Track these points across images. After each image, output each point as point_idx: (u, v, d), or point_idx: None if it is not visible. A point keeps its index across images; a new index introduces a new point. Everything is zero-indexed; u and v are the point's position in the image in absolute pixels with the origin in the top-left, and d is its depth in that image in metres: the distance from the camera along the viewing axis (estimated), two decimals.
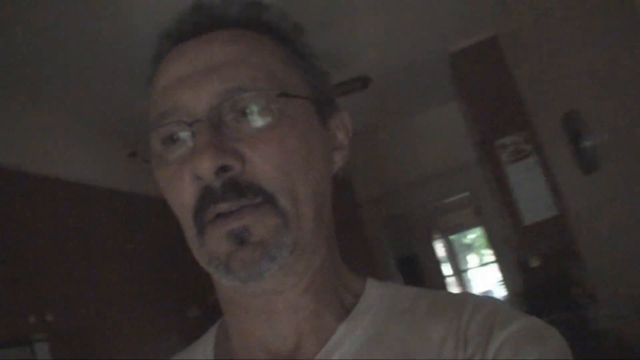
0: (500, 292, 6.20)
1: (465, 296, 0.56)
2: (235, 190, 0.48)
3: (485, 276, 7.85)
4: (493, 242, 5.45)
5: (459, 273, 7.99)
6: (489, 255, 7.26)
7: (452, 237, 8.08)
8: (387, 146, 4.35)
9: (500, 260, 5.16)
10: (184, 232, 0.54)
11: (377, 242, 4.53)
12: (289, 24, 0.58)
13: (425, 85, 3.64)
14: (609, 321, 2.57)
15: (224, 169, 0.47)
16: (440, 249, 7.49)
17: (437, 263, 7.00)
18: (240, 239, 0.48)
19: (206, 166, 0.46)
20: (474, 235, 8.41)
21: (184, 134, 0.50)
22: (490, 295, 2.72)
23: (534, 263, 3.83)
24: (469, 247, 8.67)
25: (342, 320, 0.54)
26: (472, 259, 8.57)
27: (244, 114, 0.49)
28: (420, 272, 6.38)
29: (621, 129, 1.76)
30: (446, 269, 7.46)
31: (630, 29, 1.52)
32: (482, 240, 7.57)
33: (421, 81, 3.55)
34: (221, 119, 0.49)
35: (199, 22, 0.55)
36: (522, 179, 2.87)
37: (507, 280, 4.85)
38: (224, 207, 0.48)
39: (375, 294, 0.57)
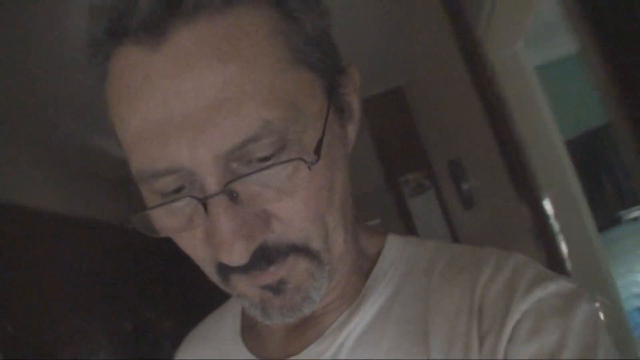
0: None
1: (488, 253, 0.51)
2: (266, 256, 0.43)
3: None
4: None
5: None
6: None
7: None
8: None
9: None
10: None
11: None
12: None
13: None
14: None
15: (253, 251, 0.41)
16: None
17: None
18: (277, 290, 0.45)
19: (236, 261, 0.41)
20: None
21: (188, 191, 0.42)
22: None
23: None
24: None
25: (359, 291, 0.53)
26: None
27: (259, 160, 0.40)
28: None
29: (488, 175, 2.19)
30: None
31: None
32: None
33: None
34: (233, 174, 0.40)
35: (159, 10, 0.38)
36: (421, 210, 3.31)
37: None
38: (256, 274, 0.44)
39: (392, 257, 0.55)
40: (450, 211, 3.16)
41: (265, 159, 0.40)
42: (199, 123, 0.38)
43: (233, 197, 0.40)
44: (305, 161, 0.41)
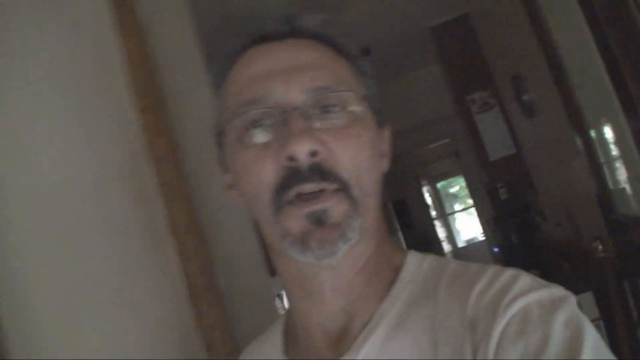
0: (479, 231, 6.99)
1: (486, 270, 0.56)
2: (319, 173, 0.53)
3: (469, 221, 8.57)
4: (473, 191, 6.12)
5: (445, 217, 8.74)
6: (471, 203, 7.89)
7: (438, 184, 8.84)
8: (382, 100, 5.06)
9: (479, 206, 5.96)
10: (256, 214, 0.58)
11: None
12: (357, 45, 0.64)
13: (413, 52, 4.36)
14: (555, 232, 3.37)
15: (312, 153, 0.52)
16: (427, 195, 8.21)
17: (425, 207, 7.71)
18: (320, 219, 0.53)
19: (303, 148, 0.51)
20: (457, 186, 9.10)
21: (271, 121, 0.55)
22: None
23: (503, 196, 4.63)
24: (455, 197, 9.37)
25: (382, 301, 0.59)
26: (457, 207, 9.27)
27: (326, 110, 0.55)
28: (410, 215, 7.08)
29: (548, 88, 2.54)
30: (433, 213, 8.20)
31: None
32: (465, 191, 8.20)
33: (409, 49, 4.28)
34: (314, 109, 0.55)
35: (281, 28, 0.61)
36: (488, 126, 3.68)
37: (483, 211, 5.65)
38: (308, 187, 0.53)
39: (410, 274, 0.61)
40: (514, 124, 3.52)
41: (332, 107, 0.56)
42: (293, 71, 0.56)
43: (304, 114, 0.54)
44: (359, 96, 0.58)
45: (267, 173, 0.54)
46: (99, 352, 0.92)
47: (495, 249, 4.42)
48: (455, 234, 8.64)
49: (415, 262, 0.62)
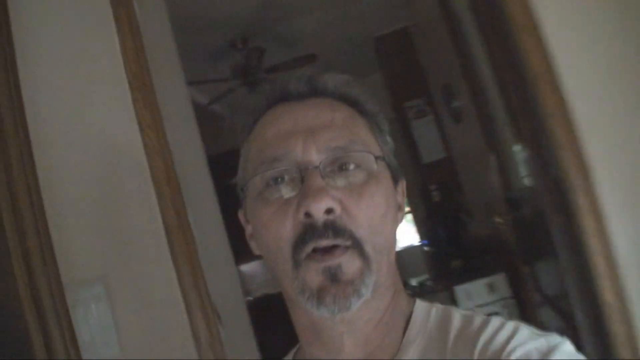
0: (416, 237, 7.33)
1: (488, 322, 0.60)
2: (333, 229, 0.56)
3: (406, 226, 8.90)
4: (409, 197, 6.38)
5: None
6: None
7: None
8: None
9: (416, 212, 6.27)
10: (275, 267, 0.61)
11: None
12: (373, 102, 0.67)
13: (357, 60, 4.62)
14: (481, 229, 3.67)
15: (328, 210, 0.55)
16: None
17: None
18: (334, 275, 0.56)
19: (319, 206, 0.55)
20: None
21: (290, 179, 0.59)
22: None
23: (436, 198, 4.97)
24: None
25: (398, 350, 0.61)
26: None
27: (343, 169, 0.59)
28: None
29: (474, 96, 2.86)
30: None
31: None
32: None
33: (354, 57, 4.56)
34: (329, 167, 0.58)
35: (302, 88, 0.64)
36: (422, 131, 4.01)
37: (417, 214, 5.96)
38: (323, 242, 0.56)
39: (420, 320, 0.64)
40: (445, 129, 3.86)
41: (349, 166, 0.59)
42: (313, 131, 0.59)
43: (325, 173, 0.57)
44: (374, 157, 0.60)
45: (286, 229, 0.57)
46: None
47: (424, 242, 4.73)
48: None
49: (423, 312, 0.65)
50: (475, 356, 0.56)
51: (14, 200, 1.12)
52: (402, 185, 0.68)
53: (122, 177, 1.25)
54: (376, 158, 0.60)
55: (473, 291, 3.18)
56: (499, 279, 3.10)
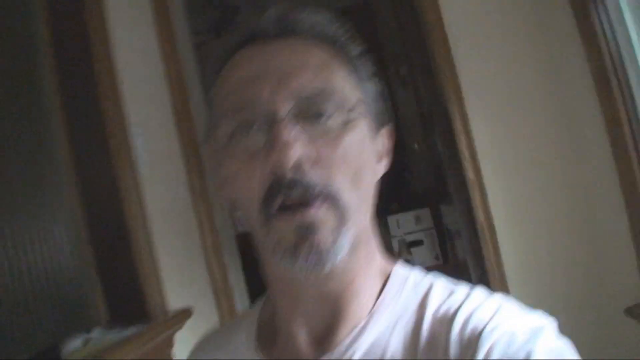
0: None
1: (469, 294, 0.57)
2: (303, 184, 0.51)
3: None
4: None
5: None
6: None
7: None
8: None
9: None
10: (247, 221, 0.57)
11: None
12: (353, 43, 0.60)
13: None
14: (419, 185, 4.27)
15: (297, 165, 0.51)
16: None
17: None
18: (308, 233, 0.52)
19: (285, 162, 0.50)
20: None
21: (257, 129, 0.53)
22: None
23: None
24: None
25: (368, 312, 0.59)
26: None
27: (316, 117, 0.53)
28: None
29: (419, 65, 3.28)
30: None
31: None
32: None
33: None
34: (298, 117, 0.53)
35: (272, 28, 0.58)
36: None
37: None
38: (292, 199, 0.51)
39: (398, 284, 0.61)
40: (395, 96, 4.32)
41: (321, 115, 0.54)
42: (282, 76, 0.54)
43: (294, 123, 0.52)
44: (351, 104, 0.55)
45: (253, 184, 0.54)
46: None
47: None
48: None
49: (400, 278, 0.62)
50: (453, 336, 0.53)
51: None
52: (388, 131, 0.64)
53: None
54: (353, 106, 0.56)
55: (403, 221, 3.79)
56: (424, 213, 3.78)
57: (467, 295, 0.57)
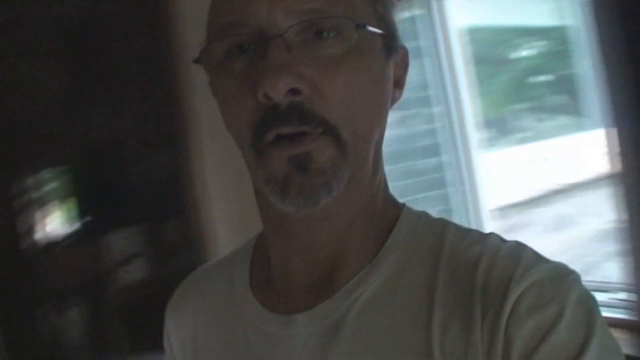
0: None
1: (490, 237, 0.54)
2: (300, 114, 0.47)
3: None
4: None
5: None
6: None
7: None
8: None
9: None
10: (240, 151, 0.53)
11: None
12: None
13: None
14: None
15: (292, 91, 0.46)
16: None
17: None
18: (302, 164, 0.47)
19: (279, 86, 0.45)
20: None
21: (254, 47, 0.48)
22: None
23: None
24: None
25: (373, 256, 0.55)
26: None
27: (318, 37, 0.48)
28: None
29: None
30: None
31: None
32: None
33: None
34: (298, 37, 0.47)
35: None
36: None
37: None
38: (286, 129, 0.47)
39: (406, 229, 0.56)
40: None
41: (325, 33, 0.48)
42: None
43: (289, 42, 0.46)
44: (358, 23, 0.48)
45: (245, 110, 0.49)
46: None
47: None
48: None
49: (411, 217, 0.58)
50: (478, 281, 0.49)
51: None
52: (402, 56, 0.58)
53: None
54: (360, 25, 0.49)
55: (119, 236, 3.44)
56: (144, 228, 3.37)
57: (485, 240, 0.53)
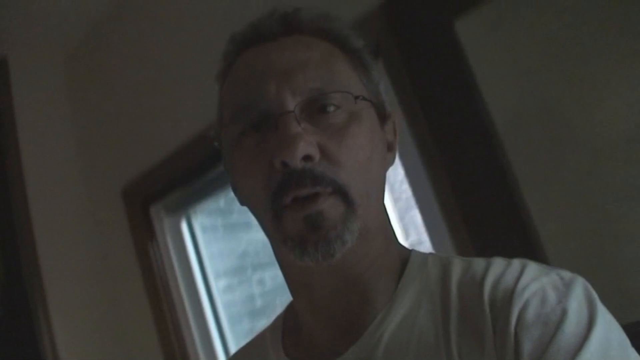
0: None
1: (495, 260, 0.57)
2: (312, 177, 0.52)
3: None
4: None
5: None
6: None
7: None
8: None
9: None
10: (258, 216, 0.58)
11: None
12: (355, 37, 0.62)
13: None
14: None
15: (305, 158, 0.52)
16: None
17: None
18: (316, 223, 0.52)
19: (296, 154, 0.50)
20: None
21: (265, 125, 0.54)
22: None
23: None
24: None
25: (391, 295, 0.58)
26: None
27: (321, 111, 0.55)
28: None
29: None
30: None
31: None
32: None
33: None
34: (305, 112, 0.54)
35: (276, 27, 0.60)
36: None
37: None
38: (302, 192, 0.52)
39: (418, 267, 0.61)
40: None
41: (328, 107, 0.55)
42: (287, 71, 0.55)
43: (301, 117, 0.53)
44: (355, 96, 0.56)
45: (263, 179, 0.54)
46: None
47: None
48: None
49: (420, 257, 0.63)
50: (485, 298, 0.52)
51: None
52: (393, 123, 0.65)
53: None
54: (357, 97, 0.57)
55: None
56: None
57: (489, 263, 0.57)
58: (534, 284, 0.51)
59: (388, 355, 0.55)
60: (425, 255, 0.63)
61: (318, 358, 0.60)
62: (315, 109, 0.55)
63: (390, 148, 0.64)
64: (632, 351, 0.48)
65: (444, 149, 1.16)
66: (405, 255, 0.63)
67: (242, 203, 0.63)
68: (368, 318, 0.58)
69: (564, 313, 0.48)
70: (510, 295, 0.51)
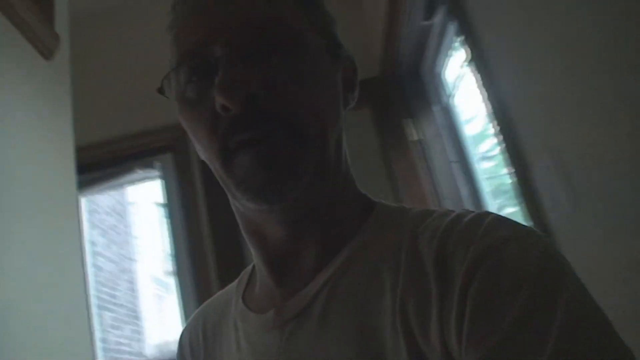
0: None
1: (452, 212, 0.54)
2: (259, 118, 0.50)
3: None
4: None
5: None
6: None
7: None
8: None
9: None
10: (211, 166, 0.56)
11: None
12: None
13: None
14: None
15: (247, 98, 0.49)
16: None
17: None
18: (266, 162, 0.50)
19: (236, 97, 0.49)
20: None
21: (207, 70, 0.52)
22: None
23: None
24: None
25: (345, 243, 0.57)
26: None
27: (267, 46, 0.52)
28: None
29: None
30: None
31: None
32: None
33: None
34: (243, 51, 0.51)
35: None
36: None
37: None
38: (247, 134, 0.50)
39: (375, 226, 0.58)
40: None
41: (271, 43, 0.52)
42: (228, 13, 0.53)
43: (238, 55, 0.51)
44: (301, 31, 0.54)
45: (208, 127, 0.53)
46: None
47: None
48: None
49: (382, 215, 0.60)
50: (434, 247, 0.50)
51: None
52: (350, 61, 0.63)
53: None
54: (302, 32, 0.54)
55: None
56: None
57: (450, 212, 0.54)
58: (487, 239, 0.47)
59: (327, 308, 0.54)
60: (393, 208, 0.60)
61: (264, 308, 0.60)
62: (259, 45, 0.52)
63: (349, 87, 0.62)
64: None
65: None
66: (367, 205, 0.61)
67: (201, 156, 0.59)
68: (316, 268, 0.57)
69: (525, 273, 0.44)
70: (463, 251, 0.47)
